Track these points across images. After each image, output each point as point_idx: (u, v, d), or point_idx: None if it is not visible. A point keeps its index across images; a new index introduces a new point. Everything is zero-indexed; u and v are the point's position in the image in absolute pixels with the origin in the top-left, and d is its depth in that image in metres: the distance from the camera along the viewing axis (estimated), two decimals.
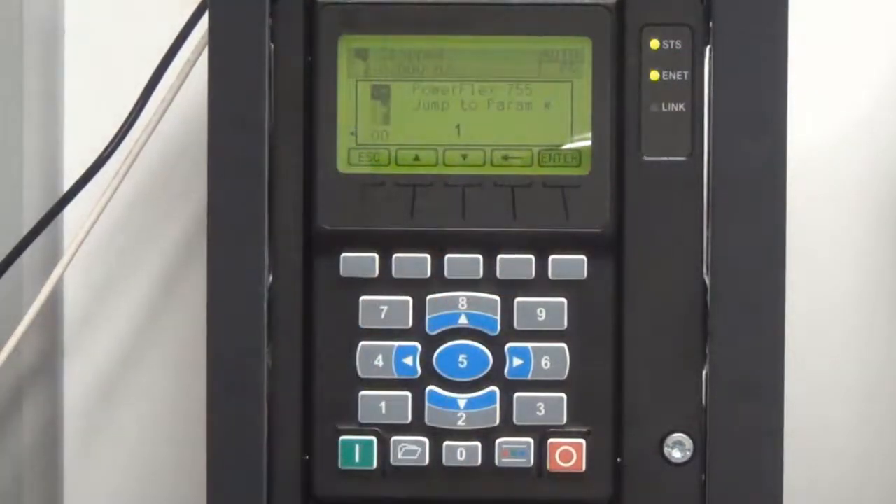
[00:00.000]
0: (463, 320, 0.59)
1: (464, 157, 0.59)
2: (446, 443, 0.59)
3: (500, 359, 0.59)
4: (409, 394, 0.59)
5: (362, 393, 0.59)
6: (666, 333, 0.59)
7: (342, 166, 0.59)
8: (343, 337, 0.59)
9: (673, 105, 0.59)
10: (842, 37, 0.75)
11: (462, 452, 0.59)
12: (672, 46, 0.59)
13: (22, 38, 0.72)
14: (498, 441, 0.59)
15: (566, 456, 0.59)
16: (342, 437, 0.59)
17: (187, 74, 0.67)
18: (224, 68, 0.58)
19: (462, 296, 0.59)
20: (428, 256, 0.59)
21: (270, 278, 0.59)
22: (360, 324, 0.59)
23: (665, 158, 0.59)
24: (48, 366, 0.75)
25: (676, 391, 0.59)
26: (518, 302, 0.59)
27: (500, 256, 0.59)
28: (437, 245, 0.59)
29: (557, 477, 0.59)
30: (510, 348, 0.59)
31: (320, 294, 0.59)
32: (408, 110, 0.59)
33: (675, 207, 0.59)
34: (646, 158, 0.59)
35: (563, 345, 0.59)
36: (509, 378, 0.59)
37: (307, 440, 0.59)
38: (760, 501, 0.58)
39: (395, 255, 0.59)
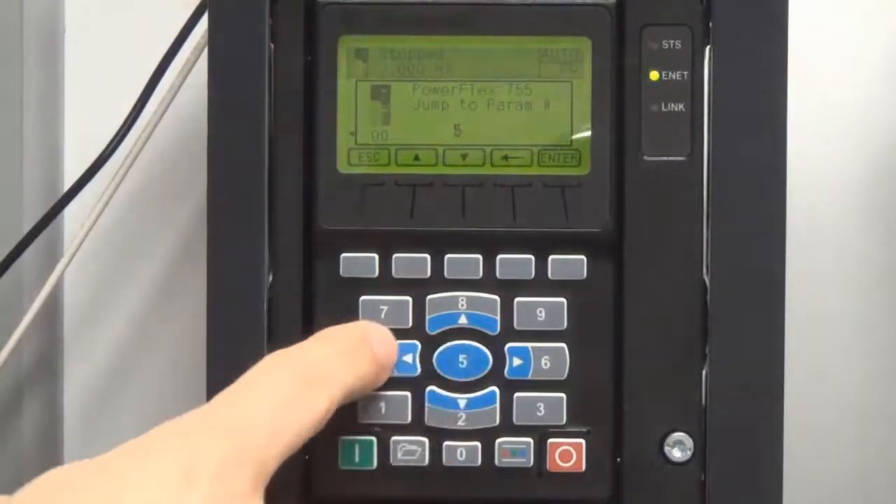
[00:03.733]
0: (463, 320, 0.59)
1: (464, 157, 0.59)
2: (446, 443, 0.59)
3: (500, 359, 0.59)
4: (408, 394, 0.59)
5: None
6: (666, 333, 0.59)
7: (342, 166, 0.59)
8: None
9: (673, 105, 0.59)
10: (837, 34, 0.75)
11: (462, 452, 0.59)
12: (672, 46, 0.59)
13: (22, 37, 0.72)
14: (498, 441, 0.59)
15: (566, 456, 0.59)
16: (342, 437, 0.59)
17: (187, 74, 0.67)
18: (224, 68, 0.58)
19: (462, 296, 0.59)
20: (428, 256, 0.59)
21: (270, 278, 0.59)
22: None
23: (665, 158, 0.59)
24: (48, 366, 0.75)
25: (676, 391, 0.59)
26: (518, 302, 0.59)
27: (499, 256, 0.59)
28: (437, 245, 0.59)
29: (557, 477, 0.59)
30: (510, 348, 0.59)
31: (320, 294, 0.59)
32: (408, 110, 0.59)
33: (675, 207, 0.59)
34: (646, 158, 0.59)
35: (563, 345, 0.59)
36: (509, 378, 0.59)
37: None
38: (760, 501, 0.58)
39: (395, 255, 0.59)
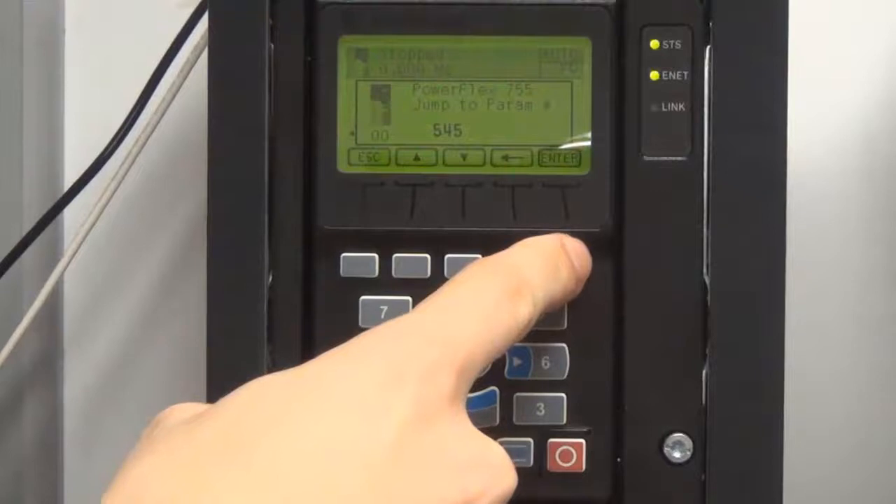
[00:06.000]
0: None
1: (464, 157, 0.59)
2: None
3: (499, 359, 0.58)
4: None
5: None
6: (666, 333, 0.59)
7: (342, 166, 0.59)
8: (343, 337, 0.58)
9: (673, 105, 0.59)
10: (837, 34, 0.75)
11: None
12: (672, 46, 0.59)
13: (22, 36, 0.72)
14: (498, 441, 0.58)
15: (566, 456, 0.59)
16: None
17: (187, 74, 0.67)
18: (224, 68, 0.58)
19: None
20: (428, 256, 0.59)
21: (270, 278, 0.59)
22: (360, 324, 0.59)
23: (665, 158, 0.59)
24: (48, 366, 0.75)
25: (676, 391, 0.59)
26: None
27: None
28: (437, 245, 0.59)
29: (557, 477, 0.59)
30: (510, 348, 0.58)
31: (320, 294, 0.59)
32: (408, 110, 0.59)
33: (675, 207, 0.59)
34: (646, 158, 0.59)
35: (563, 345, 0.59)
36: (509, 378, 0.59)
37: None
38: (760, 501, 0.58)
39: (395, 255, 0.59)
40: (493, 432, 0.58)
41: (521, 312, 0.51)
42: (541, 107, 0.59)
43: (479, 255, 0.59)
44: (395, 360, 0.46)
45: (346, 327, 0.59)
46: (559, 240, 0.56)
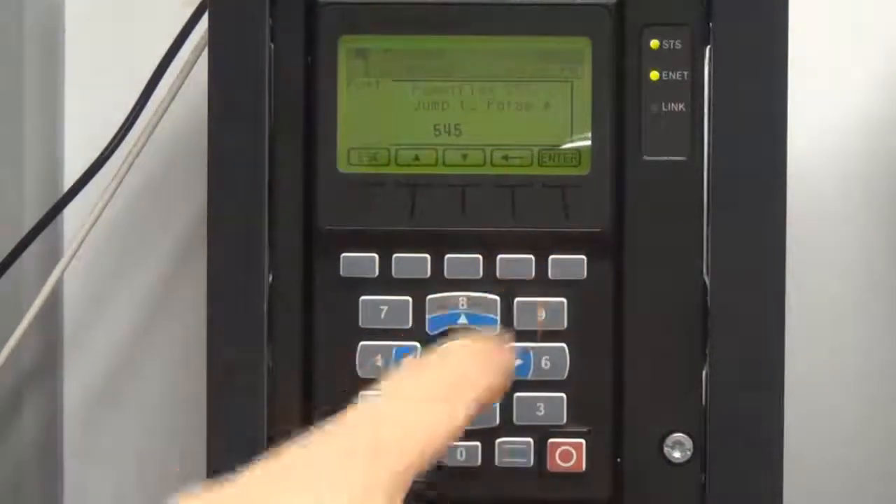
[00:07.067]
0: (463, 320, 0.59)
1: (464, 157, 0.59)
2: None
3: None
4: None
5: (362, 393, 0.59)
6: (666, 333, 0.59)
7: (342, 166, 0.59)
8: (343, 337, 0.59)
9: (673, 105, 0.59)
10: (838, 34, 0.75)
11: (462, 452, 0.59)
12: (672, 46, 0.59)
13: (22, 37, 0.72)
14: (498, 441, 0.59)
15: (566, 456, 0.59)
16: None
17: (187, 74, 0.67)
18: (224, 68, 0.58)
19: (462, 295, 0.59)
20: (428, 256, 0.59)
21: (270, 278, 0.59)
22: (360, 324, 0.59)
23: (665, 158, 0.59)
24: (48, 366, 0.75)
25: (676, 391, 0.59)
26: (518, 302, 0.59)
27: (499, 256, 0.59)
28: (437, 245, 0.59)
29: (557, 477, 0.59)
30: (510, 348, 0.58)
31: (320, 294, 0.59)
32: (408, 110, 0.59)
33: (675, 207, 0.59)
34: (646, 158, 0.59)
35: (563, 345, 0.59)
36: None
37: None
38: (760, 501, 0.58)
39: (395, 255, 0.59)
40: (493, 432, 0.58)
41: (458, 413, 0.49)
42: (541, 107, 0.59)
43: (479, 256, 0.59)
44: (332, 480, 0.46)
45: (346, 327, 0.59)
46: (484, 345, 0.54)
